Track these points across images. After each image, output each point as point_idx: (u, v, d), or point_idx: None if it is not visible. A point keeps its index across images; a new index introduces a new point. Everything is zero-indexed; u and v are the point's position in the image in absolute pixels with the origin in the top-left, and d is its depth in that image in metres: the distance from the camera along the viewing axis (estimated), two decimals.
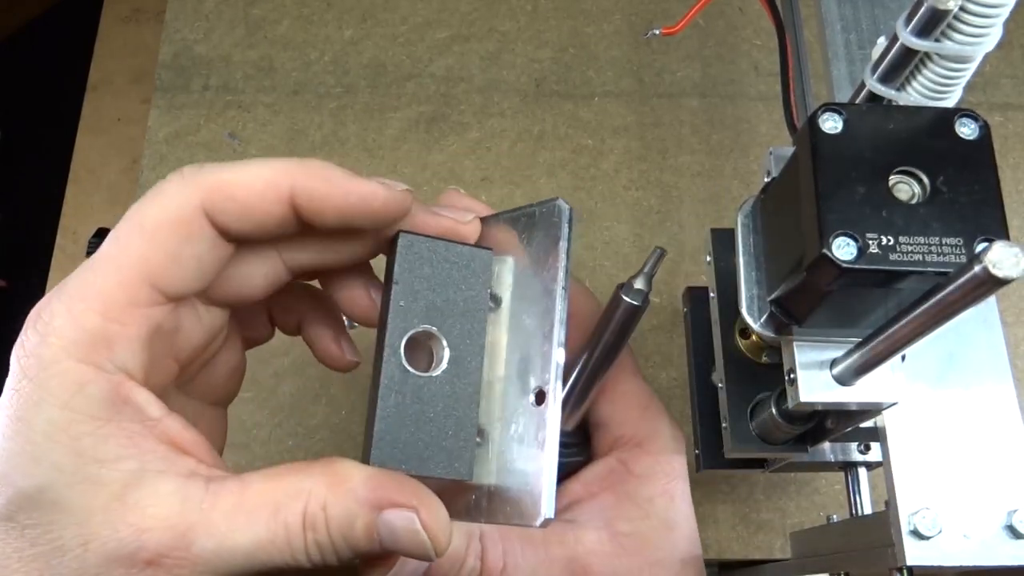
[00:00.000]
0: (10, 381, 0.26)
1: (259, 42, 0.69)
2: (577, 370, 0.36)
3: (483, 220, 0.33)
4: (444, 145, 0.66)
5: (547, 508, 0.27)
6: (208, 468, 0.27)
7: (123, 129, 0.85)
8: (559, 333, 0.29)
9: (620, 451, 0.39)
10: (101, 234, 0.79)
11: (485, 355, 0.31)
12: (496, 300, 0.32)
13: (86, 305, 0.26)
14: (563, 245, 0.30)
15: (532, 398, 0.29)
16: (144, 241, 0.27)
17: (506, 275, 0.32)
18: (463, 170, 0.65)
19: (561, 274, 0.29)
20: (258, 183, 0.28)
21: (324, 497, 0.26)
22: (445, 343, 0.30)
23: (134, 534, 0.25)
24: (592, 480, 0.39)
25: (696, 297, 0.49)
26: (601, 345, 0.34)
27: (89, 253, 0.77)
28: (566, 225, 0.30)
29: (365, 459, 0.29)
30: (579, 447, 0.39)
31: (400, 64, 0.69)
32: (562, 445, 0.32)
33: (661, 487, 0.39)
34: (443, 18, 0.71)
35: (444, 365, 0.30)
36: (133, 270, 0.27)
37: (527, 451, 0.28)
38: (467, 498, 0.30)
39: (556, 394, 0.28)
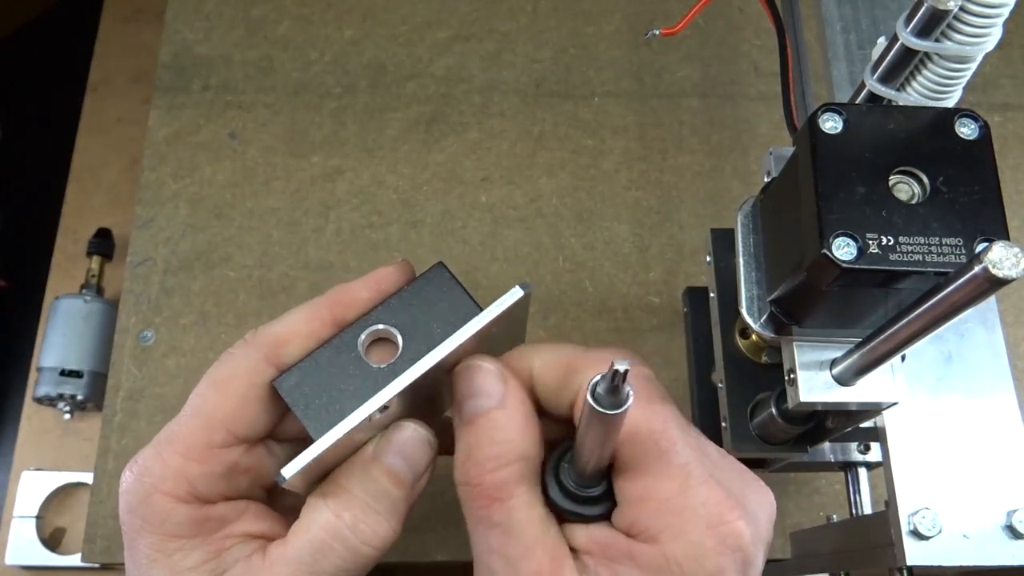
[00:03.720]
0: (120, 514, 0.33)
1: (259, 42, 0.69)
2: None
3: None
4: (444, 145, 0.66)
5: (288, 470, 0.30)
6: (276, 536, 0.33)
7: (123, 129, 0.85)
8: (402, 381, 0.31)
9: (633, 542, 0.30)
10: (101, 234, 0.79)
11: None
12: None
13: (172, 449, 0.32)
14: (454, 334, 0.32)
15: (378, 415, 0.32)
16: (218, 393, 0.33)
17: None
18: (463, 170, 0.65)
19: (440, 348, 0.32)
20: (300, 324, 0.34)
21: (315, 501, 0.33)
22: (401, 344, 0.33)
23: None
24: (587, 538, 0.31)
25: (696, 297, 0.49)
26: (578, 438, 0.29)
27: (89, 253, 0.78)
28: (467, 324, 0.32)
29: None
30: (600, 501, 0.31)
31: (400, 64, 0.69)
32: (578, 500, 0.31)
33: None
34: (443, 18, 0.71)
35: (389, 360, 0.33)
36: (210, 417, 0.33)
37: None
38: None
39: (361, 414, 0.31)
